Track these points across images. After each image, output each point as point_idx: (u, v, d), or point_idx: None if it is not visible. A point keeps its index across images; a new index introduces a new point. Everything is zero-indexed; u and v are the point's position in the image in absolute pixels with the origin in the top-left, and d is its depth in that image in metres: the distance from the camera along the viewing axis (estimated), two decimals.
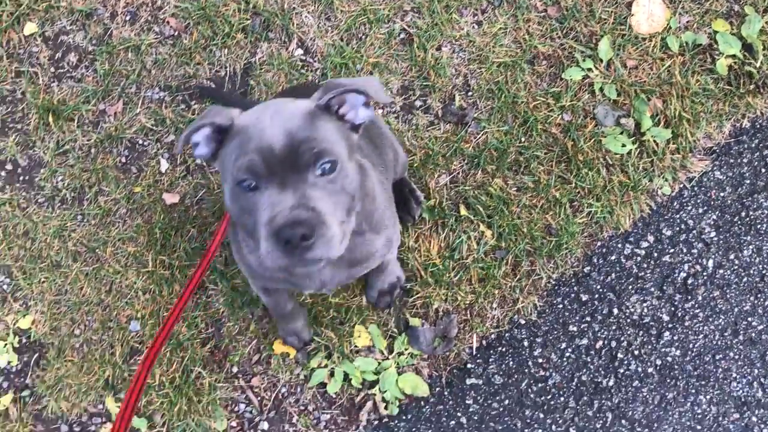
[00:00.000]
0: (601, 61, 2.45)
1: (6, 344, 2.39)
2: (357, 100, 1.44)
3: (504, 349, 2.30)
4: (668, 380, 2.26)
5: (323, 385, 2.31)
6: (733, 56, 2.42)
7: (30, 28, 2.55)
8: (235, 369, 2.34)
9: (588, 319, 2.30)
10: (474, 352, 2.31)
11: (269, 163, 1.33)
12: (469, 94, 2.47)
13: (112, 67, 2.52)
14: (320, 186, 1.35)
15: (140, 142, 2.49)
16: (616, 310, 2.30)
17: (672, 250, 2.33)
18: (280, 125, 1.35)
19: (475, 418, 2.26)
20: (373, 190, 1.59)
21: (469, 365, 2.30)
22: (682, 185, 2.39)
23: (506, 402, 2.27)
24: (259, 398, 2.32)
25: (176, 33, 2.54)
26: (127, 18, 2.56)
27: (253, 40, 2.52)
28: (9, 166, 2.49)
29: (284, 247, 1.31)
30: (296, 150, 1.33)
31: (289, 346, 2.30)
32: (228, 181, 1.40)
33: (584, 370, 2.27)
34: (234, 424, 2.31)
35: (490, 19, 2.51)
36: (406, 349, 2.31)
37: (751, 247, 2.32)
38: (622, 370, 2.27)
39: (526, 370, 2.29)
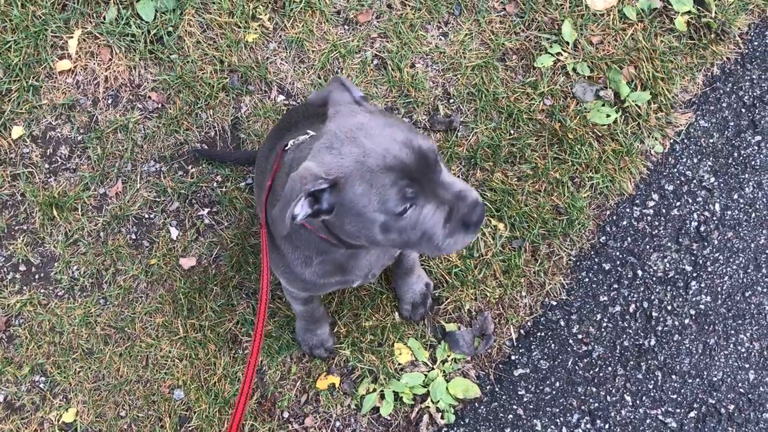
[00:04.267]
0: (568, 43, 2.56)
1: None
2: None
3: (543, 334, 2.34)
4: (706, 327, 2.31)
5: (376, 409, 2.32)
6: (689, 12, 2.54)
7: (17, 131, 2.61)
8: (286, 414, 2.35)
9: (615, 286, 2.35)
10: (515, 343, 2.35)
11: (416, 180, 1.40)
12: (451, 101, 2.56)
13: (104, 150, 2.57)
14: (445, 170, 1.48)
15: (146, 215, 2.53)
16: (640, 272, 2.36)
17: (678, 203, 2.40)
18: (390, 140, 1.39)
19: (531, 406, 2.28)
20: None
21: (513, 357, 2.33)
22: (672, 141, 2.48)
23: (557, 384, 2.29)
24: None
25: (160, 105, 2.61)
26: (109, 101, 2.63)
27: (235, 96, 2.60)
28: (23, 267, 2.51)
29: (472, 229, 1.46)
30: (424, 156, 1.41)
31: (317, 357, 2.34)
32: (377, 219, 1.42)
33: (624, 336, 2.31)
34: None
35: (455, 29, 2.62)
36: (448, 356, 2.33)
37: (751, 183, 2.41)
38: (660, 328, 2.31)
39: (569, 349, 2.32)
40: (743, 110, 2.48)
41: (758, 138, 2.45)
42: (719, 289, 2.33)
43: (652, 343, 2.30)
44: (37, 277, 2.51)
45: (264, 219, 1.76)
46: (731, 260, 2.35)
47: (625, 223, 2.41)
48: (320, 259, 1.72)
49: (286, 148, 1.72)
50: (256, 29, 2.62)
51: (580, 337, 2.32)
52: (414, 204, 1.42)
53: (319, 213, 1.45)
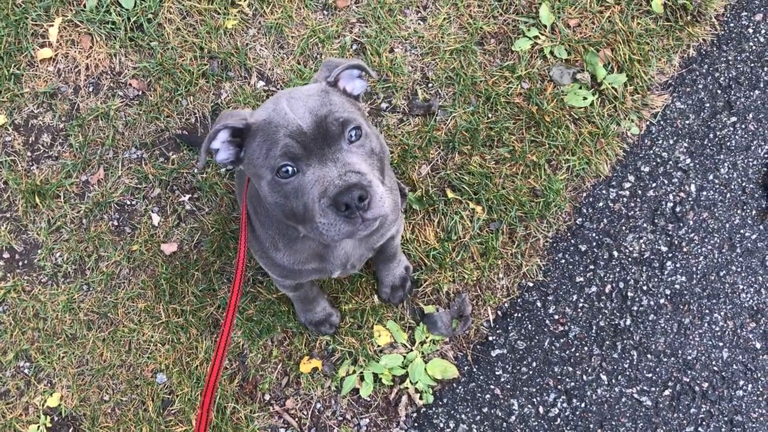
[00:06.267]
0: (545, 26, 2.57)
1: (39, 426, 2.40)
2: (352, 74, 1.56)
3: (520, 315, 2.37)
4: (681, 307, 2.33)
5: (356, 391, 2.35)
6: None
7: None
8: (267, 396, 2.38)
9: (591, 267, 2.38)
10: (492, 324, 2.37)
11: (304, 144, 1.39)
12: (430, 85, 2.57)
13: (85, 138, 2.59)
14: (354, 152, 1.43)
15: (128, 202, 2.55)
16: (616, 253, 2.38)
17: (654, 184, 2.42)
18: (301, 107, 1.43)
19: (508, 386, 2.31)
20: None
21: (490, 338, 2.36)
22: (648, 122, 2.50)
23: (534, 364, 2.32)
24: (296, 419, 2.36)
25: (140, 92, 2.63)
26: (90, 89, 2.64)
27: (215, 83, 2.61)
28: (6, 255, 2.54)
29: (344, 214, 1.36)
30: (324, 124, 1.40)
31: (324, 335, 2.36)
32: (265, 176, 1.45)
33: (600, 316, 2.34)
34: None
35: (433, 13, 2.63)
36: (427, 337, 2.36)
37: (726, 164, 2.42)
38: (635, 308, 2.33)
39: (546, 329, 2.35)
40: (719, 91, 2.49)
41: (734, 119, 2.46)
42: (694, 269, 2.35)
43: (628, 322, 2.32)
44: (20, 264, 2.53)
45: (244, 204, 1.78)
46: (706, 240, 2.37)
47: (601, 204, 2.43)
48: (286, 242, 1.74)
49: None
50: (235, 15, 2.63)
51: (556, 317, 2.35)
52: (298, 169, 1.41)
53: (238, 160, 1.52)
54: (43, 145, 2.61)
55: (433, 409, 2.31)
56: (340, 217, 1.37)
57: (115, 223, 2.54)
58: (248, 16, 2.64)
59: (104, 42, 2.65)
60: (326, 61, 1.57)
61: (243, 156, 1.52)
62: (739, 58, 2.51)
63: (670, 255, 2.36)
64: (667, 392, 2.27)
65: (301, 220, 1.47)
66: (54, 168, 2.58)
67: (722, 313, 2.31)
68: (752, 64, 2.50)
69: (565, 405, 2.28)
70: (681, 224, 2.38)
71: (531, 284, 2.39)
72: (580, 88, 2.49)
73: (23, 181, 2.56)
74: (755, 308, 2.31)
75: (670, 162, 2.44)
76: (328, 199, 1.36)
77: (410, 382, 2.33)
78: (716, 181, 2.41)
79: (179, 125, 2.59)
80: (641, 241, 2.38)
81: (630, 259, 2.37)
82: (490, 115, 2.51)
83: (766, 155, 2.42)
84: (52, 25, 2.65)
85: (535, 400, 2.29)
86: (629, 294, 2.34)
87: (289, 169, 1.41)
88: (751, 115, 2.46)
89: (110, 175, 2.57)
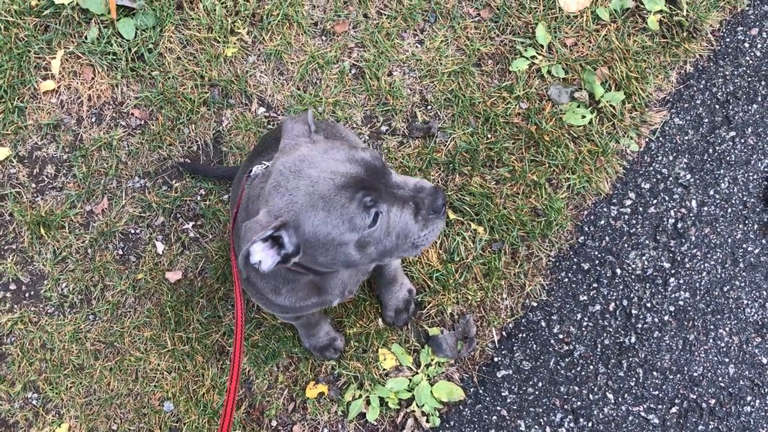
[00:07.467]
0: (542, 46, 2.59)
1: None
2: None
3: (524, 335, 2.37)
4: (685, 323, 2.33)
5: (362, 415, 2.35)
6: (661, 11, 2.57)
7: (3, 152, 2.65)
8: (274, 423, 2.38)
9: (595, 285, 2.38)
10: (497, 345, 2.37)
11: (371, 187, 1.43)
12: (429, 107, 2.59)
13: (89, 168, 2.61)
14: (394, 172, 1.52)
15: (132, 231, 2.57)
16: (618, 270, 2.38)
17: (655, 201, 2.43)
18: (335, 164, 1.43)
19: (515, 407, 2.31)
20: None
21: (495, 359, 2.36)
22: (647, 139, 2.50)
23: (540, 384, 2.32)
24: None
25: (143, 122, 2.65)
26: (93, 120, 2.67)
27: (216, 110, 2.63)
28: (13, 286, 2.56)
29: (442, 212, 1.51)
30: (369, 164, 1.45)
31: (329, 360, 2.37)
32: (349, 241, 1.43)
33: (605, 335, 2.34)
34: None
35: (430, 36, 2.65)
36: (432, 360, 2.36)
37: (726, 179, 2.43)
38: (640, 325, 2.33)
39: (551, 349, 2.35)
40: (717, 107, 2.50)
41: (732, 134, 2.47)
42: (697, 285, 2.35)
43: (633, 340, 2.32)
44: (27, 295, 2.55)
45: (232, 245, 1.76)
46: (709, 256, 2.37)
47: (602, 222, 2.43)
48: (289, 287, 1.75)
49: (251, 174, 1.73)
50: (235, 43, 2.66)
51: (561, 336, 2.35)
52: (379, 211, 1.44)
53: (288, 257, 1.45)
54: (48, 176, 2.64)
55: (440, 431, 2.31)
56: (439, 218, 1.51)
57: (120, 252, 2.55)
58: (247, 43, 2.66)
59: (106, 73, 2.68)
60: (288, 121, 1.56)
61: (295, 249, 1.45)
62: (736, 72, 2.52)
63: (673, 271, 2.36)
64: (674, 410, 2.26)
65: (388, 254, 1.53)
66: (58, 199, 2.61)
67: (727, 329, 2.31)
68: (749, 79, 2.51)
69: (572, 425, 2.27)
70: (683, 240, 2.39)
71: (535, 304, 2.39)
72: (579, 106, 2.51)
73: (28, 213, 2.58)
74: (760, 323, 2.31)
75: (671, 178, 2.45)
76: (427, 210, 1.49)
77: (416, 405, 2.33)
78: (717, 196, 2.42)
79: (182, 153, 2.61)
80: (644, 258, 2.38)
81: (633, 277, 2.37)
82: (489, 136, 2.52)
83: (766, 169, 2.43)
84: (54, 58, 2.68)
85: (541, 420, 2.29)
86: (633, 311, 2.34)
87: (375, 218, 1.43)
88: (749, 129, 2.47)
89: (114, 204, 2.59)
